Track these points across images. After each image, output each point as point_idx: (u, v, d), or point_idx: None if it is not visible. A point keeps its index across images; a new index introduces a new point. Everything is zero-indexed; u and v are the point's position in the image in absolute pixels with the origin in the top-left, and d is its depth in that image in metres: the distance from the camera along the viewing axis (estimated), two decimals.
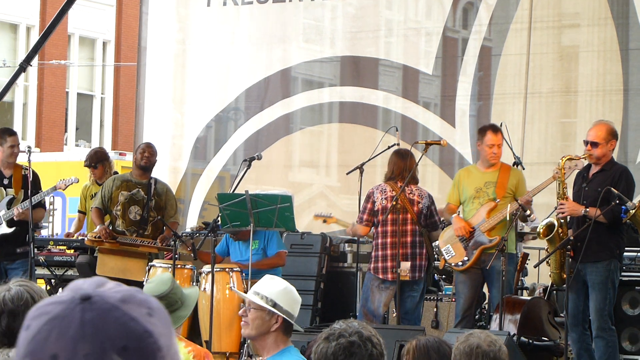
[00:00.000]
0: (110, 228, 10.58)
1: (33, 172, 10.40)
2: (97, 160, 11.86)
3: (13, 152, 10.32)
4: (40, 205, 10.48)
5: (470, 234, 9.36)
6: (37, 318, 1.59)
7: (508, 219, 9.10)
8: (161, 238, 10.45)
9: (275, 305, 4.98)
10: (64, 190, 10.80)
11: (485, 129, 9.51)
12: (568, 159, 8.95)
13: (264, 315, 4.97)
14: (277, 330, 4.97)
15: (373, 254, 9.59)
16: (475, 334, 4.28)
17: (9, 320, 3.81)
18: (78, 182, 10.91)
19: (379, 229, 9.53)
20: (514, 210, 9.09)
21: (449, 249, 9.49)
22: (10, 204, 10.25)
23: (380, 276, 9.46)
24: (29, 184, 10.13)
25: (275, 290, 5.03)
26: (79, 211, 12.24)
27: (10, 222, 10.21)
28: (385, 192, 9.55)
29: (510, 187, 9.29)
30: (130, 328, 1.56)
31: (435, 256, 9.88)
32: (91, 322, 1.56)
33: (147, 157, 10.65)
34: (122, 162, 15.88)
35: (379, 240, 9.53)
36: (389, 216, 9.43)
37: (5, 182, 10.33)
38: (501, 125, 9.93)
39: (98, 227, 10.58)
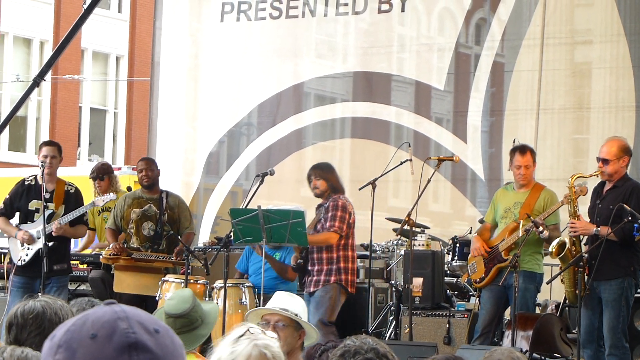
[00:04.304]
0: (126, 246, 10.59)
1: (76, 188, 10.36)
2: (104, 172, 11.90)
3: (44, 162, 10.12)
4: (82, 222, 10.41)
5: (491, 253, 9.38)
6: None
7: (520, 235, 9.11)
8: (176, 252, 10.46)
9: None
10: (101, 206, 10.77)
11: (514, 150, 9.51)
12: (578, 177, 8.95)
13: (293, 332, 4.96)
14: (299, 346, 4.98)
15: (347, 265, 9.65)
16: (498, 351, 4.24)
17: (17, 332, 3.86)
18: (116, 198, 10.78)
19: (350, 241, 9.67)
20: (527, 227, 9.07)
21: (474, 265, 9.56)
22: (49, 219, 10.14)
23: (351, 290, 9.66)
24: (42, 197, 10.10)
25: (299, 305, 5.04)
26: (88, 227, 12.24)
27: (48, 237, 10.02)
28: (351, 204, 9.82)
29: (537, 209, 9.25)
30: None
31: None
32: None
33: (146, 175, 10.65)
34: (135, 177, 15.87)
35: (351, 253, 9.72)
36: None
37: (47, 196, 10.14)
38: (514, 141, 9.92)
39: (111, 244, 10.59)
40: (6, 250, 11.06)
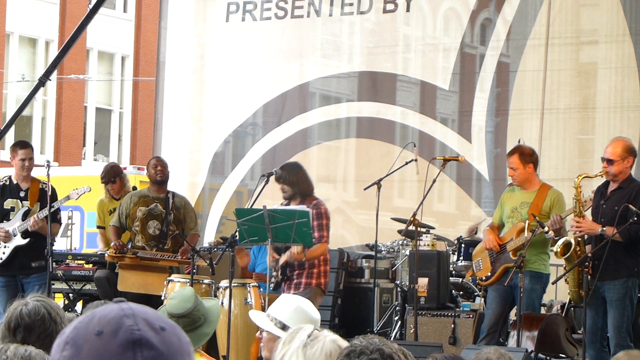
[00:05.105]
0: (130, 244, 10.63)
1: (51, 186, 10.45)
2: (115, 175, 11.91)
3: (24, 165, 10.31)
4: (56, 220, 10.50)
5: (500, 251, 9.38)
6: None
7: (525, 234, 9.11)
8: (182, 251, 10.50)
9: (284, 327, 4.95)
10: (76, 199, 10.80)
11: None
12: (583, 177, 8.94)
13: (275, 338, 4.93)
14: None
15: (326, 268, 9.70)
16: (484, 351, 4.27)
17: (24, 334, 3.86)
18: (90, 190, 10.90)
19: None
20: (533, 227, 9.07)
21: (479, 262, 9.55)
22: (25, 216, 10.30)
23: (326, 291, 9.72)
24: (48, 197, 10.16)
25: (287, 311, 5.01)
26: (98, 227, 12.27)
27: (24, 234, 10.24)
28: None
29: (544, 209, 9.25)
30: None
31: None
32: None
33: (161, 170, 10.73)
34: (141, 177, 15.89)
35: (328, 256, 9.75)
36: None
37: (22, 194, 10.38)
38: (519, 141, 9.91)
39: (112, 243, 10.65)
40: None
